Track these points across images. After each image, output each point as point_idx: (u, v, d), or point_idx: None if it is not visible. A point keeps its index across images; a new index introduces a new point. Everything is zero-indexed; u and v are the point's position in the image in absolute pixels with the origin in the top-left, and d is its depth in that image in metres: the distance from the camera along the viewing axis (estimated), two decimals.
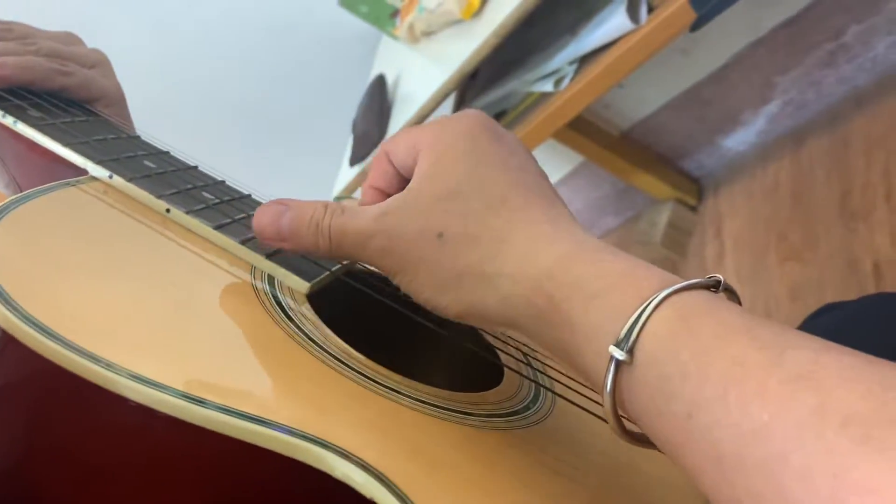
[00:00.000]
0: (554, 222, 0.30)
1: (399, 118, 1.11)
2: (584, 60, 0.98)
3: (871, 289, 1.11)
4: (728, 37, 1.33)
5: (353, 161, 1.19)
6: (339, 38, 1.39)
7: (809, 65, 1.31)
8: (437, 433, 0.28)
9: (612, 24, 0.92)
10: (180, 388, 0.24)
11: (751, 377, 0.21)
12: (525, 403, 0.34)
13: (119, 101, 0.46)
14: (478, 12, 0.99)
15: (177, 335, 0.27)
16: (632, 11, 0.90)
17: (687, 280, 0.25)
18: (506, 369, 0.36)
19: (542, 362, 0.39)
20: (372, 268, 0.39)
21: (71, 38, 0.45)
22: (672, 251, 1.44)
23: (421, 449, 0.27)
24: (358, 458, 0.24)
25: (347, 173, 1.22)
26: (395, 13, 1.24)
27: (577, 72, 0.99)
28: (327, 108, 1.43)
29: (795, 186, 1.34)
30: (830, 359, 0.21)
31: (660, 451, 0.25)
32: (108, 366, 0.23)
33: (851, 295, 1.04)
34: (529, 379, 0.37)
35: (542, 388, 0.36)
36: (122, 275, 0.30)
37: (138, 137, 0.42)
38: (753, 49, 1.34)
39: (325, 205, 0.32)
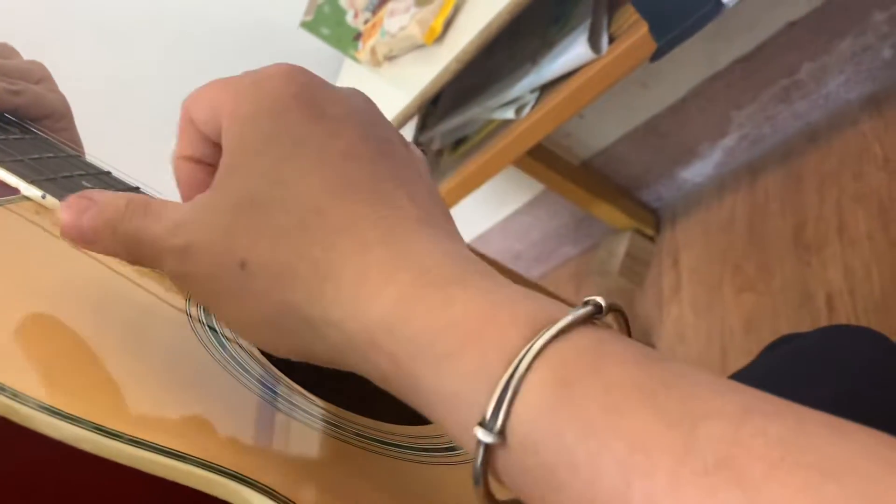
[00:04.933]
0: (391, 239, 0.22)
1: None
2: (546, 89, 0.99)
3: (824, 321, 1.13)
4: (686, 71, 1.35)
5: None
6: (301, 60, 1.38)
7: (765, 100, 1.34)
8: (373, 468, 0.27)
9: (574, 53, 0.92)
10: (92, 419, 0.22)
11: (659, 469, 0.17)
12: None
13: (67, 114, 0.44)
14: (440, 38, 0.98)
15: (96, 364, 0.26)
16: (593, 41, 0.90)
17: (562, 318, 0.20)
18: None
19: None
20: None
21: (7, 50, 0.43)
22: (630, 281, 1.44)
23: (351, 487, 0.25)
24: (283, 496, 0.22)
25: None
26: (357, 36, 1.24)
27: (538, 100, 0.99)
28: None
29: (751, 219, 1.36)
30: (752, 431, 0.16)
31: None
32: (14, 396, 0.22)
33: (805, 327, 1.05)
34: None
35: None
36: (40, 300, 0.28)
37: (79, 156, 0.41)
38: (710, 83, 1.36)
39: (128, 201, 0.25)
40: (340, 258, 0.22)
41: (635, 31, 0.86)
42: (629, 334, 0.21)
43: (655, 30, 0.71)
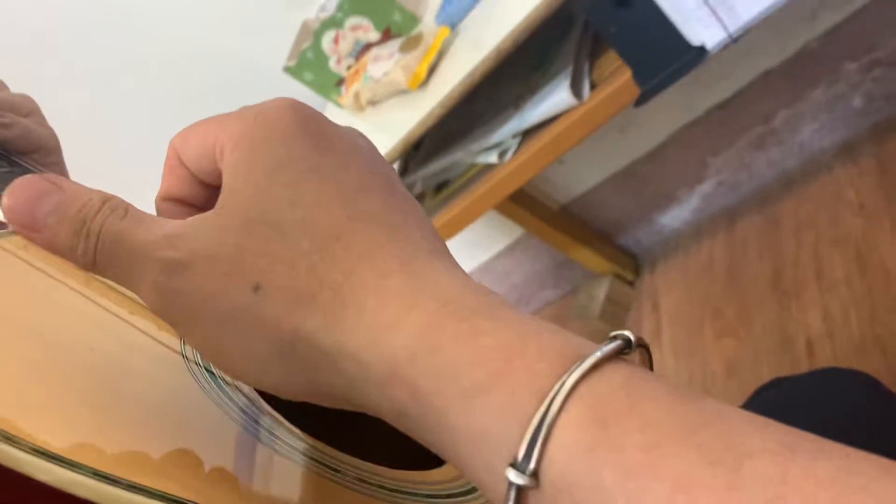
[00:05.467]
0: (410, 268, 0.22)
1: None
2: (528, 134, 1.00)
3: (804, 365, 1.13)
4: (664, 117, 1.38)
5: None
6: None
7: (741, 147, 1.36)
8: None
9: (556, 99, 0.93)
10: (91, 465, 0.21)
11: None
12: (472, 485, 0.32)
13: (56, 149, 0.43)
14: (424, 83, 0.99)
15: (87, 408, 0.25)
16: (575, 88, 0.91)
17: (592, 353, 0.19)
18: None
19: None
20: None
21: None
22: (610, 325, 1.44)
23: None
24: None
25: None
26: (340, 82, 1.25)
27: (520, 145, 1.00)
28: None
29: (730, 264, 1.37)
30: (801, 471, 0.16)
31: None
32: (8, 439, 0.21)
33: (786, 371, 1.05)
34: None
35: None
36: (27, 339, 0.27)
37: None
38: (688, 130, 1.38)
39: (107, 199, 0.23)
40: (361, 285, 0.21)
41: (616, 79, 0.87)
42: (651, 370, 0.21)
43: (639, 76, 0.73)
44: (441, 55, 0.99)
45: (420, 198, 1.22)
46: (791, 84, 1.25)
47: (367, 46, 1.18)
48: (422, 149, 1.25)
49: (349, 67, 1.22)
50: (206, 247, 0.22)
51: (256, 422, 0.28)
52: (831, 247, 1.21)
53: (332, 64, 1.24)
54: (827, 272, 1.20)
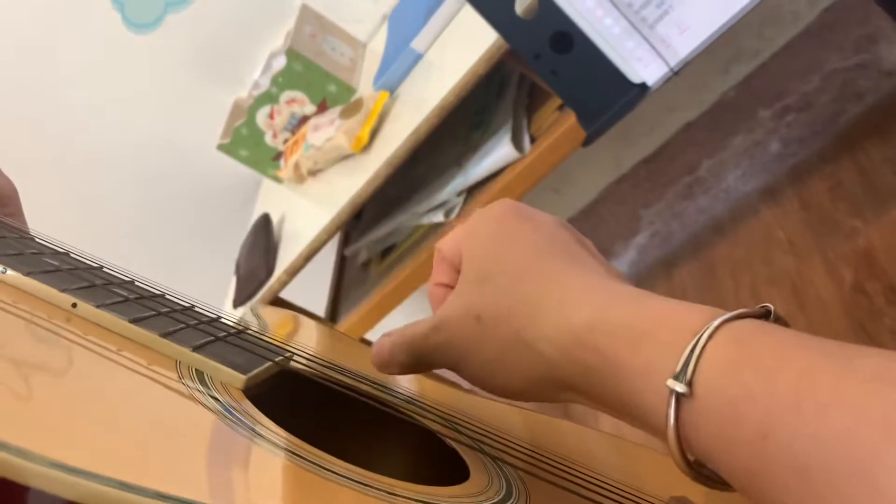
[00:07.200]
0: (585, 280, 0.30)
1: (286, 256, 1.08)
2: (472, 191, 1.01)
3: None
4: (594, 175, 1.42)
5: (237, 303, 1.13)
6: (219, 181, 1.37)
7: (670, 197, 1.41)
8: None
9: (498, 154, 0.95)
10: (115, 476, 0.19)
11: (823, 385, 0.21)
12: (501, 496, 0.30)
13: (15, 198, 0.43)
14: (367, 146, 1.00)
15: (98, 427, 0.23)
16: (516, 141, 0.93)
17: (736, 311, 0.25)
18: (470, 462, 0.33)
19: (499, 450, 0.36)
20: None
21: None
22: None
23: None
24: None
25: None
26: (277, 156, 1.24)
27: (465, 201, 1.01)
28: (207, 250, 1.38)
29: None
30: None
31: (730, 486, 0.24)
32: (21, 453, 0.18)
33: None
34: (498, 471, 0.33)
35: (512, 481, 0.33)
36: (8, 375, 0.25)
37: (34, 238, 0.38)
38: (618, 185, 1.43)
39: (405, 326, 0.34)
40: (546, 293, 0.30)
41: (555, 129, 0.90)
42: None
43: (584, 119, 0.75)
44: (382, 119, 1.00)
45: (365, 267, 1.21)
46: (712, 134, 1.32)
47: (304, 119, 1.18)
48: (363, 217, 1.24)
49: (286, 141, 1.22)
50: (449, 310, 0.33)
51: (271, 442, 0.26)
52: (768, 285, 1.25)
53: (267, 139, 1.23)
54: None
